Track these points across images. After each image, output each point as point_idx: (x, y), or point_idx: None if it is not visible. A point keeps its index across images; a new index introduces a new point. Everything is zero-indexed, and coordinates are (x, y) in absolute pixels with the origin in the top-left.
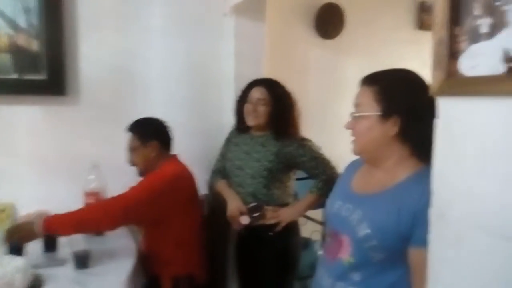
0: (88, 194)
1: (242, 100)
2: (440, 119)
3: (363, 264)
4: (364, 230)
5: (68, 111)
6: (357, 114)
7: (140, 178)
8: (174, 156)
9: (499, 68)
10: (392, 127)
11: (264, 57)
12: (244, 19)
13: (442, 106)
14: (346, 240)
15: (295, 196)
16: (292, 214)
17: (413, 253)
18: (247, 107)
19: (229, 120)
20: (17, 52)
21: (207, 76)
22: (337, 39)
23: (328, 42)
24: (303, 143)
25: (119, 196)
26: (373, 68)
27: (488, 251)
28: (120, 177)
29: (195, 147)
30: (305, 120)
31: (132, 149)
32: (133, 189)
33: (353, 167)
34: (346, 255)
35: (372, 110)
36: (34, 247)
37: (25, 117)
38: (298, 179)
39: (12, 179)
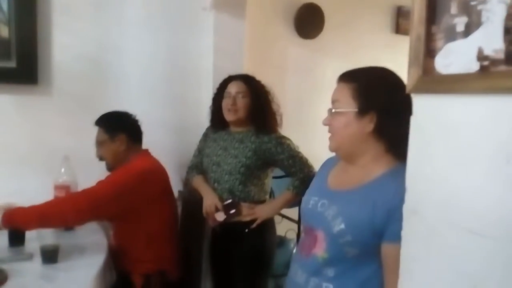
0: (58, 187)
1: (219, 96)
2: (415, 116)
3: (337, 259)
4: (338, 226)
5: (39, 100)
6: (334, 110)
7: (108, 173)
8: (145, 151)
9: (473, 67)
10: (368, 124)
11: (244, 53)
12: (224, 14)
13: (417, 103)
14: (320, 235)
15: (271, 194)
16: (268, 211)
17: (386, 248)
18: (226, 102)
19: (207, 116)
20: None
21: (185, 71)
22: (316, 40)
23: (307, 42)
24: (282, 141)
25: (86, 190)
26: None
27: (458, 247)
28: (92, 170)
29: (172, 143)
30: (283, 119)
31: (100, 143)
32: (100, 183)
33: (329, 164)
34: (320, 250)
35: (349, 106)
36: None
37: None
38: (274, 177)
39: None
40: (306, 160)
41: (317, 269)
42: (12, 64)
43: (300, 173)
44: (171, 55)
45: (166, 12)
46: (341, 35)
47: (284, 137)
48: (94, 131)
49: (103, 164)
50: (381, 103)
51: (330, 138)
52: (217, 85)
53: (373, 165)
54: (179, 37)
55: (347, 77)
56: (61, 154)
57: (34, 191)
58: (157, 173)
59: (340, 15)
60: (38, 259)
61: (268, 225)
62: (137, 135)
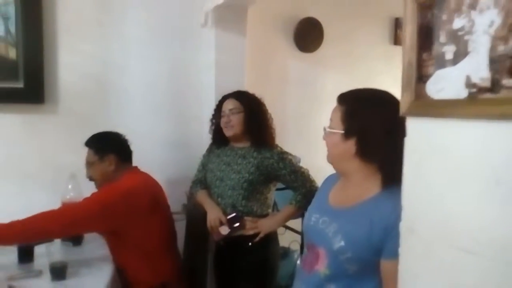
0: (65, 204)
1: (217, 115)
2: (409, 138)
3: (338, 275)
4: (339, 243)
5: (46, 119)
6: (326, 130)
7: None
8: (134, 168)
9: (462, 93)
10: (352, 146)
11: (245, 68)
12: (225, 31)
13: (410, 126)
14: (322, 252)
15: (275, 206)
16: (271, 225)
17: (384, 265)
18: (222, 120)
19: (209, 131)
20: None
21: (187, 87)
22: (316, 53)
23: (307, 55)
24: (284, 156)
25: (70, 205)
26: (350, 81)
27: (454, 266)
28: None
29: (175, 157)
30: (284, 131)
31: (90, 164)
32: (85, 199)
33: (330, 181)
34: (322, 267)
35: (338, 128)
36: (9, 258)
37: (2, 125)
38: (277, 190)
39: None
40: (308, 175)
41: (319, 285)
42: (19, 84)
43: (302, 187)
44: (174, 71)
45: (167, 30)
46: (340, 48)
47: (285, 152)
48: None
49: None
50: (363, 129)
51: (326, 155)
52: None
53: (367, 184)
54: (181, 54)
55: (340, 99)
56: (67, 171)
57: (42, 208)
58: (144, 188)
59: (338, 28)
60: (47, 276)
61: (271, 238)
62: (126, 155)
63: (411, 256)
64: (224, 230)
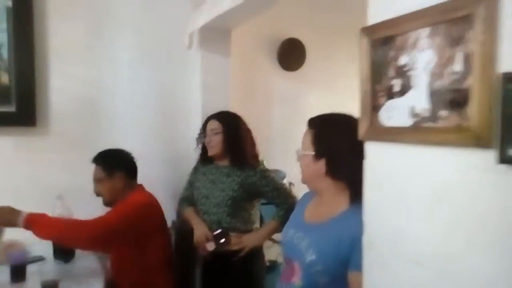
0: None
1: (202, 135)
2: (368, 160)
3: (310, 287)
4: (310, 256)
5: (38, 141)
6: (298, 152)
7: (107, 208)
8: (140, 186)
9: (408, 122)
10: (322, 166)
11: (230, 88)
12: (210, 53)
13: (368, 149)
14: (297, 265)
15: (261, 219)
16: (255, 240)
17: (350, 276)
18: (206, 140)
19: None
20: None
21: (174, 107)
22: (299, 71)
23: (291, 74)
24: (266, 174)
25: (99, 219)
26: (332, 98)
27: (405, 276)
28: (88, 206)
29: (163, 176)
30: (270, 147)
31: (98, 181)
32: (110, 214)
33: (306, 198)
34: (297, 279)
35: (309, 150)
36: (1, 278)
37: None
38: (263, 204)
39: None
40: (290, 191)
41: None
42: (12, 108)
43: (284, 203)
44: (162, 92)
45: (155, 53)
46: (322, 66)
47: (267, 170)
48: (90, 168)
49: (98, 200)
50: (331, 150)
51: (301, 173)
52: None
53: (337, 201)
54: (168, 76)
55: (310, 123)
56: (59, 191)
57: None
58: (155, 207)
59: (320, 47)
60: None
61: (255, 252)
62: (134, 172)
63: (372, 268)
64: (210, 246)
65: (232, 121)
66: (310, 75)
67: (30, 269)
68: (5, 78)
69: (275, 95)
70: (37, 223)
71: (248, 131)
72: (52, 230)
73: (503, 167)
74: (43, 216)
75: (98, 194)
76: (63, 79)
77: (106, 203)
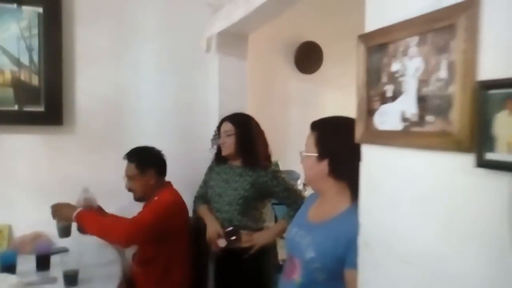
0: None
1: (216, 136)
2: (364, 162)
3: (309, 283)
4: (310, 254)
5: (64, 140)
6: (302, 154)
7: (135, 203)
8: (169, 183)
9: (399, 126)
10: (325, 167)
11: (247, 91)
12: (227, 56)
13: (364, 151)
14: (297, 262)
15: (276, 219)
16: (265, 238)
17: (347, 274)
18: (220, 141)
19: (211, 150)
20: (19, 86)
21: (193, 108)
22: (316, 74)
23: (308, 76)
24: (277, 174)
25: (134, 219)
26: (348, 100)
27: (396, 274)
28: (112, 201)
29: (182, 174)
30: (286, 149)
31: (130, 177)
32: (143, 214)
33: (312, 199)
34: (297, 275)
35: (312, 151)
36: (28, 266)
37: (24, 145)
38: (276, 204)
39: (10, 203)
40: (300, 192)
41: None
42: (41, 108)
43: (294, 204)
44: (181, 94)
45: (175, 56)
46: (339, 69)
47: (279, 170)
48: (114, 165)
49: (120, 195)
50: (333, 151)
51: (304, 174)
52: None
53: (338, 201)
54: (188, 78)
55: (314, 126)
56: (84, 185)
57: None
58: (181, 205)
59: (337, 50)
60: (61, 282)
61: (267, 250)
62: (164, 169)
63: (366, 266)
64: (222, 243)
65: (244, 123)
66: (327, 78)
67: (54, 259)
68: (35, 80)
69: (292, 97)
70: (84, 219)
71: (261, 132)
72: (93, 227)
73: (481, 170)
74: (91, 213)
75: (130, 190)
76: (88, 81)
77: (137, 199)
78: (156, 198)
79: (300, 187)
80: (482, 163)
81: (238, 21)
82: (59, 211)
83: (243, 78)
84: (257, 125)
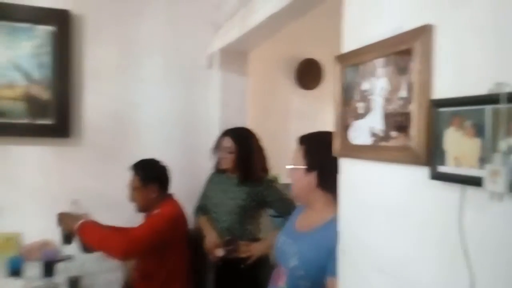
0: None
1: (217, 147)
2: (342, 174)
3: None
4: (294, 262)
5: (71, 151)
6: (290, 167)
7: (138, 213)
8: (171, 196)
9: (368, 140)
10: (314, 179)
11: (247, 105)
12: (228, 72)
13: (341, 164)
14: (283, 270)
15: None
16: (262, 248)
17: (328, 282)
18: (219, 154)
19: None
20: (31, 100)
21: (195, 123)
22: (316, 90)
23: (308, 92)
24: (271, 184)
25: (131, 234)
26: None
27: (370, 281)
28: (114, 212)
29: (184, 185)
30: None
31: (134, 188)
32: (141, 228)
33: (300, 209)
34: (282, 283)
35: (300, 164)
36: (34, 272)
37: (34, 156)
38: (277, 216)
39: (20, 211)
40: (294, 202)
41: None
42: (50, 121)
43: (289, 214)
44: (184, 109)
45: (179, 73)
46: None
47: (273, 181)
48: (118, 176)
49: (126, 205)
50: (321, 164)
51: (291, 187)
52: None
53: (323, 212)
54: (190, 93)
55: (301, 140)
56: (89, 195)
57: None
58: (181, 218)
59: None
60: None
61: (263, 260)
62: (167, 184)
63: (345, 274)
64: (219, 252)
65: (245, 141)
66: (328, 93)
67: (59, 266)
68: (46, 95)
69: (292, 112)
70: (84, 231)
71: (260, 148)
72: (93, 239)
73: (435, 182)
74: (92, 225)
75: (132, 200)
76: (96, 96)
77: (139, 210)
78: (156, 211)
79: None
80: (435, 176)
81: (235, 40)
82: (64, 220)
83: (243, 94)
84: (257, 141)
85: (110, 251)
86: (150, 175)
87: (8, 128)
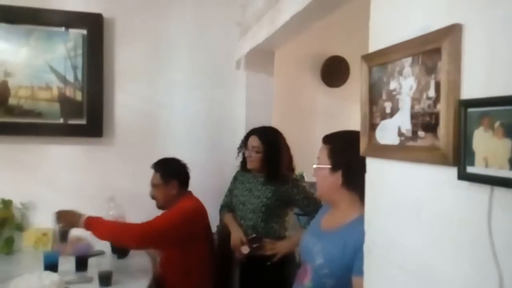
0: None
1: (243, 146)
2: (368, 174)
3: None
4: (319, 260)
5: (103, 150)
6: (315, 166)
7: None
8: (189, 192)
9: (396, 140)
10: (339, 178)
11: (273, 104)
12: (254, 72)
13: (368, 164)
14: (309, 268)
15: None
16: (287, 247)
17: (354, 281)
18: (246, 153)
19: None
20: (65, 101)
21: (222, 122)
22: (342, 88)
23: (334, 90)
24: (297, 183)
25: (147, 223)
26: None
27: (393, 280)
28: (145, 209)
29: (210, 183)
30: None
31: (155, 186)
32: (158, 219)
33: (325, 208)
34: (307, 280)
35: (325, 163)
36: (68, 266)
37: (68, 155)
38: (302, 215)
39: (55, 208)
40: (320, 201)
41: None
42: (83, 121)
43: (314, 212)
44: (211, 108)
45: (205, 73)
46: None
47: (299, 180)
48: (148, 174)
49: (154, 202)
50: (347, 163)
51: (318, 187)
52: None
53: (349, 211)
54: (217, 93)
55: (326, 139)
56: (121, 193)
57: None
58: (201, 213)
59: None
60: (96, 282)
61: (288, 258)
62: (186, 181)
63: (370, 273)
64: (245, 250)
65: (272, 141)
66: (354, 91)
67: (91, 261)
68: (79, 96)
69: (318, 110)
70: (94, 225)
71: (286, 147)
72: (105, 231)
73: (464, 183)
74: (99, 219)
75: (153, 197)
76: (126, 96)
77: (159, 207)
78: (175, 206)
79: None
80: (464, 176)
81: (264, 41)
82: (64, 218)
83: (269, 93)
84: (283, 140)
85: (125, 239)
86: (171, 173)
87: (44, 128)
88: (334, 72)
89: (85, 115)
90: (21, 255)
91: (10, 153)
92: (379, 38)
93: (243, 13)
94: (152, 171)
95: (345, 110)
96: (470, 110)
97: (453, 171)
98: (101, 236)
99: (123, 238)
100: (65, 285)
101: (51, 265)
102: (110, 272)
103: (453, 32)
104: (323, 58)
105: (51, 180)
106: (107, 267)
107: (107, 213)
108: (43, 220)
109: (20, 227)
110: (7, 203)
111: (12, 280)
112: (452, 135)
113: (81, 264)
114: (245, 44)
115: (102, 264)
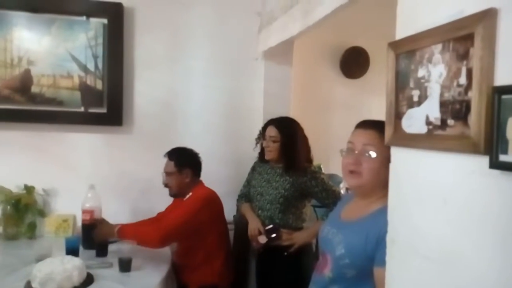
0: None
1: (261, 137)
2: (393, 163)
3: (339, 278)
4: (340, 250)
5: (123, 138)
6: (368, 154)
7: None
8: (201, 181)
9: (423, 129)
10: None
11: (291, 95)
12: (273, 63)
13: (392, 153)
14: (329, 258)
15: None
16: (304, 238)
17: (376, 271)
18: (264, 143)
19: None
20: (86, 90)
21: (240, 111)
22: (362, 79)
23: (353, 81)
24: (316, 175)
25: (165, 223)
26: None
27: (418, 269)
28: (161, 194)
29: (228, 173)
30: (328, 153)
31: (168, 174)
32: (175, 215)
33: (346, 199)
34: (327, 270)
35: (383, 152)
36: (89, 252)
37: (88, 143)
38: (318, 207)
39: (75, 195)
40: (339, 193)
41: (324, 286)
42: (103, 110)
43: (333, 204)
44: (229, 98)
45: (224, 63)
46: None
47: (318, 172)
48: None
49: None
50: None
51: (354, 176)
52: None
53: (372, 202)
54: (235, 83)
55: (380, 126)
56: (141, 181)
57: (116, 211)
58: (212, 199)
59: (383, 55)
60: (116, 268)
61: (305, 249)
62: (199, 170)
63: (393, 263)
64: (262, 239)
65: (290, 131)
66: (373, 82)
67: (111, 247)
68: (99, 85)
69: (336, 101)
70: (123, 233)
71: (304, 138)
72: (133, 238)
73: (496, 172)
74: (127, 226)
75: (166, 185)
76: (146, 85)
77: (172, 195)
78: (189, 195)
79: (342, 191)
80: (496, 165)
81: (297, 33)
82: (100, 232)
83: (287, 84)
84: (301, 131)
85: (149, 244)
86: (185, 161)
87: (65, 116)
88: (353, 63)
89: (105, 104)
90: (43, 240)
91: (32, 141)
92: (407, 25)
93: (263, 2)
94: (166, 161)
95: (364, 102)
96: (504, 97)
97: (484, 160)
98: (130, 239)
99: (146, 245)
100: (86, 270)
101: (72, 250)
102: (130, 258)
103: (487, 16)
104: (342, 48)
105: (71, 167)
106: (126, 253)
107: (83, 204)
108: (64, 206)
109: (42, 213)
110: (29, 189)
111: (35, 263)
112: (484, 123)
113: (102, 250)
114: (272, 35)
115: (122, 251)
